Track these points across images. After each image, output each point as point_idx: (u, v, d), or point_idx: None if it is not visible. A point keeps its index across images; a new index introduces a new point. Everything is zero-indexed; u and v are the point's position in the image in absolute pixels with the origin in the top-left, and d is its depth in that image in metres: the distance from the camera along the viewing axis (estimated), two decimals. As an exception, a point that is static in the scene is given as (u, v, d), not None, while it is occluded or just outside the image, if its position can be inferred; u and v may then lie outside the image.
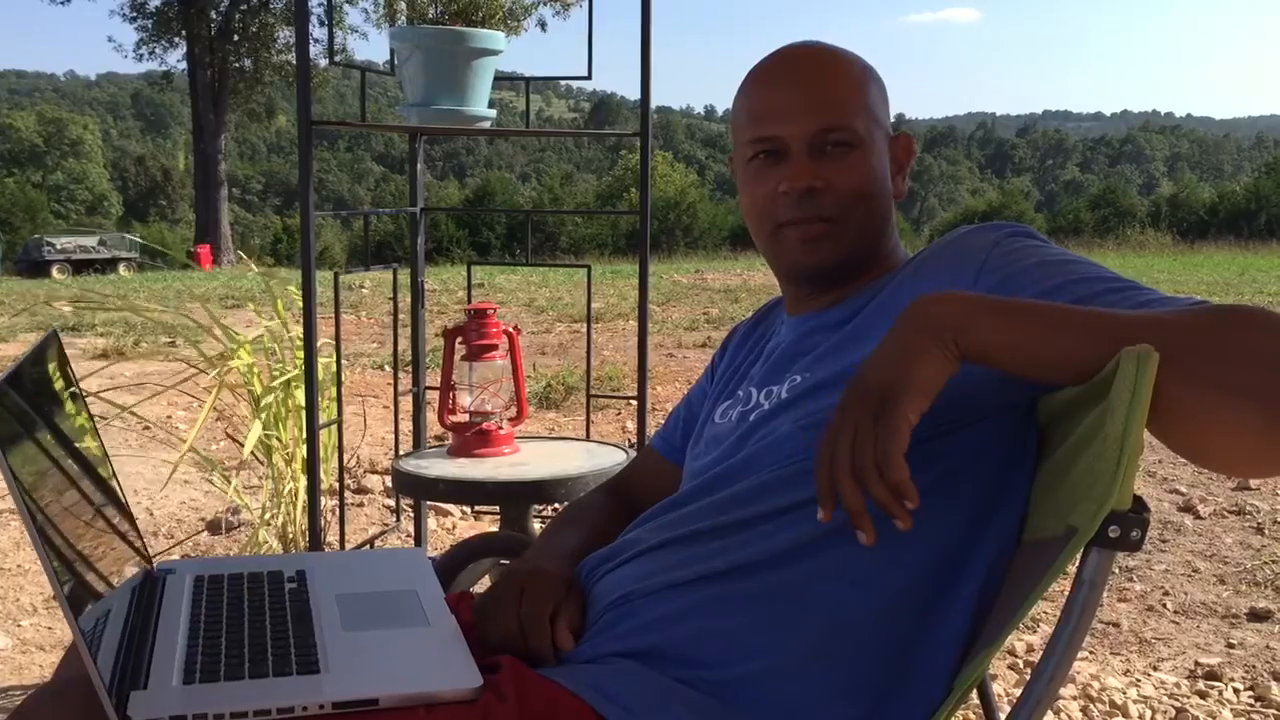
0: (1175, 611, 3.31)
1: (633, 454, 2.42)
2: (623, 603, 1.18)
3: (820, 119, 1.25)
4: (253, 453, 3.39)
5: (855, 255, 1.29)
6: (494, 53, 2.48)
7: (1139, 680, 2.78)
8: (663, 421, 1.58)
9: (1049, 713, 1.35)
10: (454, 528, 4.11)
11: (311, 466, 2.46)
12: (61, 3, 34.94)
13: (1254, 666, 2.89)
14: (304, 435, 2.95)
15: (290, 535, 3.37)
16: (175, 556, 3.76)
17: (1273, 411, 0.87)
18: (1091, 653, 2.97)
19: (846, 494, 0.96)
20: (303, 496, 3.29)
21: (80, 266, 30.31)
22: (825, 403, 1.17)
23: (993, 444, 1.13)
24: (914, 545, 1.09)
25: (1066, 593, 0.96)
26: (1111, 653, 2.99)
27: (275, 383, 3.36)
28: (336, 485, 2.78)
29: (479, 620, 1.23)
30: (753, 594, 1.12)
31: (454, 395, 2.48)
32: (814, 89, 1.27)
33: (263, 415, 3.30)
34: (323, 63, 22.31)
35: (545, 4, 29.33)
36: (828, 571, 1.11)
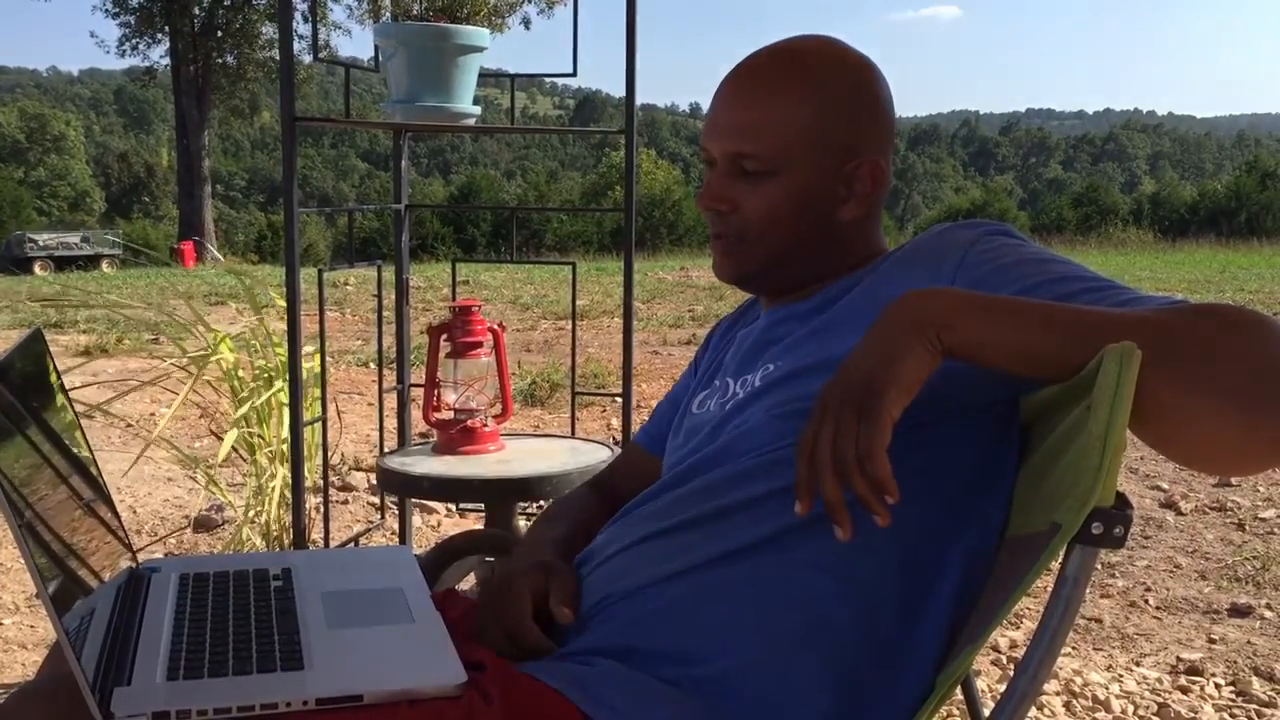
0: (1157, 607, 3.33)
1: (618, 450, 2.42)
2: (603, 605, 1.18)
3: (733, 143, 1.26)
4: (236, 450, 3.38)
5: (772, 271, 1.30)
6: (478, 49, 2.48)
7: (1121, 676, 2.80)
8: (647, 419, 1.58)
9: (1032, 708, 1.35)
10: (439, 525, 4.10)
11: (296, 464, 2.45)
12: (43, -2, 34.74)
13: (1235, 662, 2.91)
14: (288, 433, 2.94)
15: (274, 533, 3.36)
16: (158, 554, 3.75)
17: (1251, 410, 0.88)
18: (1074, 648, 2.99)
19: (827, 487, 0.96)
20: (287, 494, 3.28)
21: (63, 263, 30.13)
22: (798, 390, 1.17)
23: (973, 439, 1.14)
24: (891, 536, 1.08)
25: (1050, 589, 0.96)
26: (1094, 648, 3.00)
27: (258, 380, 3.35)
28: (321, 483, 2.77)
29: (482, 634, 1.23)
30: (730, 587, 1.13)
31: (439, 392, 2.48)
32: (740, 110, 1.26)
33: (242, 414, 3.29)
34: (306, 59, 22.24)
35: (529, 1, 29.32)
36: (804, 562, 1.11)
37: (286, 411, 3.06)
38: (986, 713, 1.08)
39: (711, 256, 1.35)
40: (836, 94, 1.24)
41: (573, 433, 2.83)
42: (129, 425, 4.25)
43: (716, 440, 1.24)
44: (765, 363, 1.27)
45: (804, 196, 1.26)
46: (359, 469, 4.85)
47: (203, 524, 4.07)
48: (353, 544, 3.00)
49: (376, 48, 2.58)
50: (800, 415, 1.05)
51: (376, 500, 4.23)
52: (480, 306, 2.48)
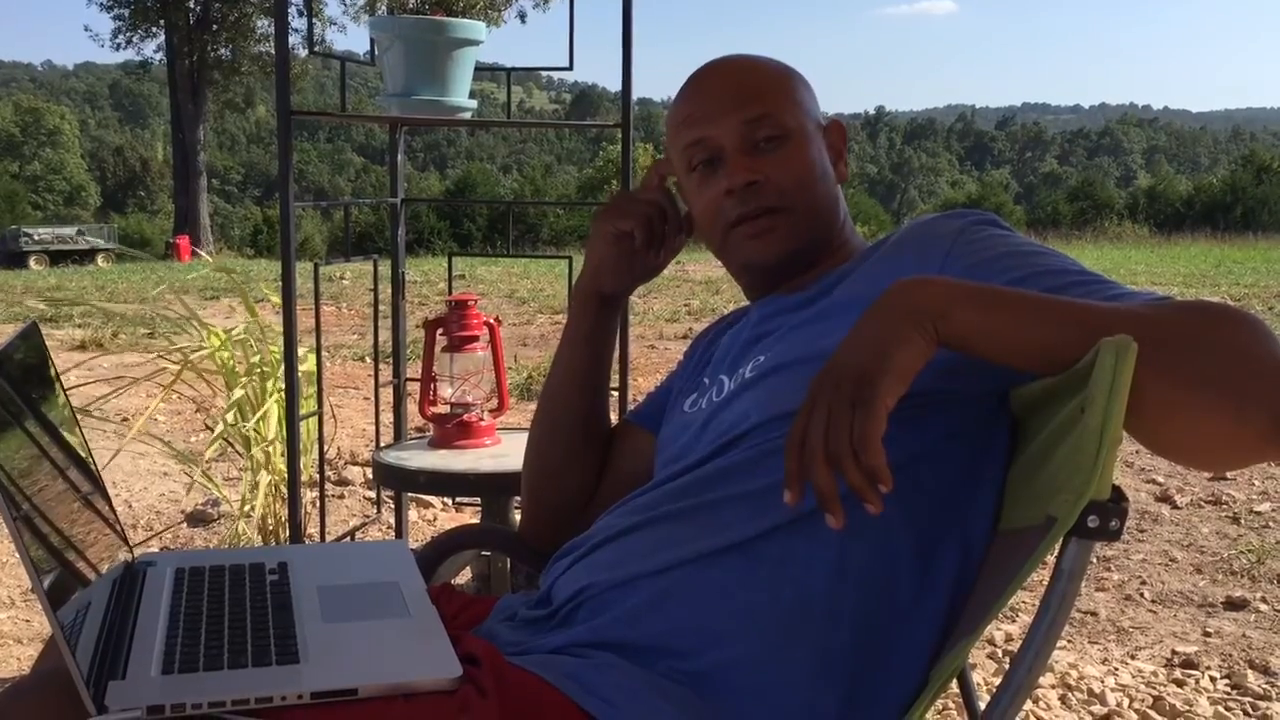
0: (1153, 601, 3.33)
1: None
2: (592, 593, 1.18)
3: (745, 112, 1.28)
4: (231, 444, 3.38)
5: (808, 243, 1.31)
6: (475, 43, 2.47)
7: (1117, 669, 2.80)
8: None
9: (1028, 701, 1.36)
10: (435, 519, 4.10)
11: (292, 458, 2.45)
12: (38, -9, 34.68)
13: (1230, 655, 2.91)
14: (284, 427, 2.94)
15: (270, 527, 3.36)
16: (154, 548, 3.74)
17: (1241, 402, 0.88)
18: (1070, 642, 2.99)
19: (819, 477, 0.94)
20: (282, 489, 3.28)
21: (58, 257, 30.09)
22: (787, 381, 1.17)
23: (963, 430, 1.14)
24: (882, 528, 1.08)
25: (1045, 582, 0.96)
26: (1090, 642, 3.01)
27: (250, 374, 3.35)
28: (317, 477, 2.77)
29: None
30: (720, 581, 1.12)
31: (435, 387, 2.48)
32: (736, 87, 1.31)
33: (234, 403, 3.28)
34: (302, 53, 22.19)
35: (525, -6, 29.27)
36: (795, 557, 1.11)
37: (283, 406, 3.06)
38: (982, 706, 1.08)
39: (732, 248, 1.32)
40: (794, 75, 1.35)
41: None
42: (124, 420, 4.25)
43: (707, 434, 1.24)
44: (757, 354, 1.27)
45: (816, 157, 1.31)
46: (355, 463, 4.85)
47: (198, 518, 4.07)
48: (349, 538, 3.00)
49: (372, 41, 2.57)
50: (790, 407, 1.05)
51: (372, 495, 4.23)
52: (476, 301, 2.48)
